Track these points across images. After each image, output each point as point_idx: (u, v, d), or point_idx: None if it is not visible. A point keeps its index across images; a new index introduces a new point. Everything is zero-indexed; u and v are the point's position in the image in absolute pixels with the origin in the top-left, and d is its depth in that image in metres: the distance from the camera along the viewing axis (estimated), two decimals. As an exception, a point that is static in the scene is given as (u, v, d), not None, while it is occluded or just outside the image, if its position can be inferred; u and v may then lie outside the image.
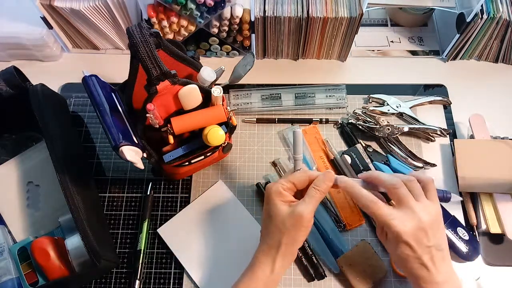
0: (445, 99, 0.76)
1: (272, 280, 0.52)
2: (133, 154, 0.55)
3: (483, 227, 0.64)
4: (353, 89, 0.77)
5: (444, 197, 0.55)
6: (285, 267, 0.53)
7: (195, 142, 0.60)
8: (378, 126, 0.72)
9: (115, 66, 0.81)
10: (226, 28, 0.74)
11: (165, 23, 0.71)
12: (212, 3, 0.67)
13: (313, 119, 0.74)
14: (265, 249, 0.53)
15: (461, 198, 0.57)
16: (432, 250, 0.49)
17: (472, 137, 0.70)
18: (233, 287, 0.53)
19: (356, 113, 0.74)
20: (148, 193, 0.69)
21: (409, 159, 0.70)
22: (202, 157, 0.63)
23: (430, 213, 0.50)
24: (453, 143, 0.70)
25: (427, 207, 0.50)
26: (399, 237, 0.48)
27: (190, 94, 0.55)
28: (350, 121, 0.73)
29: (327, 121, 0.75)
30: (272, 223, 0.52)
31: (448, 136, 0.72)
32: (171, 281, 0.64)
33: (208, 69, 0.57)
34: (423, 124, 0.73)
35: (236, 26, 0.73)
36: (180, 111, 0.57)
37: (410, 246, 0.49)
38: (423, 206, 0.50)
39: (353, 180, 0.54)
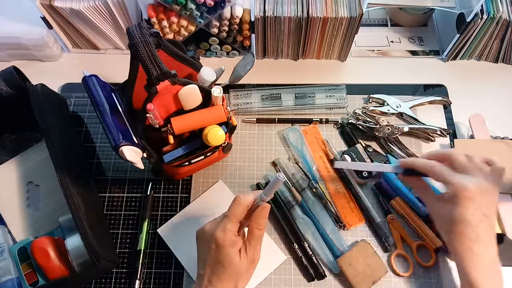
0: (445, 99, 0.76)
1: None
2: (133, 154, 0.55)
3: (483, 227, 0.64)
4: (353, 89, 0.77)
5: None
6: None
7: (195, 142, 0.60)
8: (378, 126, 0.72)
9: (115, 66, 0.81)
10: (226, 28, 0.74)
11: (165, 23, 0.71)
12: (212, 3, 0.67)
13: (313, 119, 0.74)
14: None
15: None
16: (486, 221, 0.49)
17: (472, 137, 0.70)
18: None
19: (356, 113, 0.74)
20: (148, 193, 0.69)
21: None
22: (202, 157, 0.63)
23: (489, 182, 0.51)
24: (453, 143, 0.70)
25: (485, 177, 0.51)
26: (463, 191, 0.49)
27: (190, 94, 0.55)
28: (350, 121, 0.73)
29: (327, 121, 0.75)
30: (227, 273, 0.50)
31: (448, 136, 0.72)
32: (171, 281, 0.64)
33: (208, 69, 0.57)
34: (423, 124, 0.73)
35: (236, 26, 0.73)
36: (180, 111, 0.57)
37: (472, 203, 0.49)
38: (483, 175, 0.51)
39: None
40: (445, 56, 0.82)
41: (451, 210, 0.50)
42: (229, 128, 0.61)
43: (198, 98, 0.57)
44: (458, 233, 0.50)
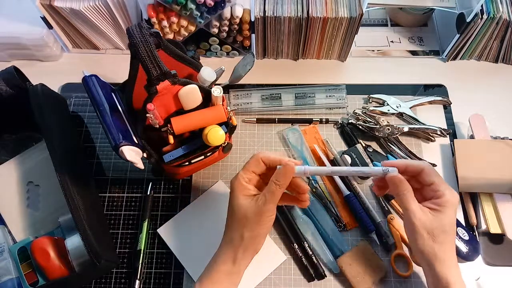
0: (445, 99, 0.76)
1: (235, 272, 0.53)
2: (133, 154, 0.55)
3: (483, 227, 0.64)
4: (353, 89, 0.77)
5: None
6: (247, 260, 0.53)
7: (195, 142, 0.60)
8: (378, 126, 0.72)
9: (115, 66, 0.81)
10: (226, 28, 0.74)
11: (165, 23, 0.71)
12: (212, 3, 0.67)
13: (313, 119, 0.74)
14: (227, 242, 0.53)
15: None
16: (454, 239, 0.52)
17: (472, 137, 0.70)
18: (197, 280, 0.54)
19: (356, 113, 0.74)
20: (148, 193, 0.69)
21: (409, 159, 0.70)
22: (202, 157, 0.63)
23: None
24: (453, 143, 0.70)
25: None
26: (453, 199, 0.51)
27: (190, 94, 0.55)
28: (350, 121, 0.73)
29: (327, 121, 0.75)
30: (234, 217, 0.52)
31: (448, 136, 0.72)
32: (171, 281, 0.64)
33: (208, 69, 0.57)
34: (423, 124, 0.73)
35: (236, 26, 0.73)
36: (180, 111, 0.57)
37: (455, 211, 0.51)
38: None
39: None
40: (445, 56, 0.82)
41: (442, 217, 0.51)
42: (229, 128, 0.61)
43: (198, 98, 0.57)
44: (446, 241, 0.51)
